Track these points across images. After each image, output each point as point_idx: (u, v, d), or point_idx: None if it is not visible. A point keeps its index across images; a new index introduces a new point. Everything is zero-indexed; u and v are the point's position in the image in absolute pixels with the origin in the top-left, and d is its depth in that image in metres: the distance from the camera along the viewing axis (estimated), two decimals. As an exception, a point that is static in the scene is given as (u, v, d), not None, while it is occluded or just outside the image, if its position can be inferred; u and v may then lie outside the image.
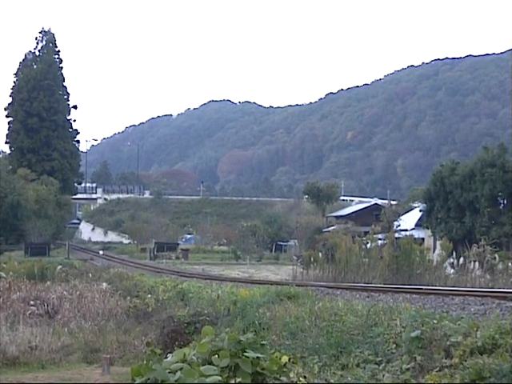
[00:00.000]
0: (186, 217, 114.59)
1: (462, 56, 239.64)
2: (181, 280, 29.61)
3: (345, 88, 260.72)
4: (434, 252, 41.05)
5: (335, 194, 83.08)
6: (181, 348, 6.49)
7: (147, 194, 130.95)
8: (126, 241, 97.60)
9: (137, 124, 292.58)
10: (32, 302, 22.26)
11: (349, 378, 8.56)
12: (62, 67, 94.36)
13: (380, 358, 9.28)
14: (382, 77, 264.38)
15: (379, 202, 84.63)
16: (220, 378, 5.45)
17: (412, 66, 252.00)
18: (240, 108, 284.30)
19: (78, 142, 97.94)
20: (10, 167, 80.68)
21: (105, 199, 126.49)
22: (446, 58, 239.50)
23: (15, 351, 16.47)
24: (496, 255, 28.65)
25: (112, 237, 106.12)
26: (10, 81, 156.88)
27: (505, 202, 47.53)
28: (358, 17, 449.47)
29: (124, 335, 18.75)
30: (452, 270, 30.23)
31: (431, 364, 8.14)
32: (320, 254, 36.30)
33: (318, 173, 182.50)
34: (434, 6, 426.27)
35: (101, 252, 72.41)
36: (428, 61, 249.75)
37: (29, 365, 16.08)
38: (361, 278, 29.86)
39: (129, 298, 24.34)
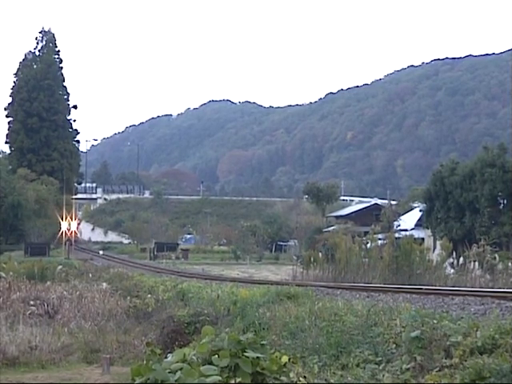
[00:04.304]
0: (186, 217, 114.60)
1: (462, 56, 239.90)
2: (181, 280, 29.63)
3: (345, 88, 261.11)
4: (434, 252, 41.05)
5: (335, 194, 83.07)
6: (181, 348, 6.49)
7: (147, 194, 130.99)
8: (126, 241, 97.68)
9: (137, 124, 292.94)
10: (32, 302, 22.26)
11: (349, 378, 8.56)
12: (61, 67, 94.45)
13: (380, 358, 9.28)
14: (382, 77, 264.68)
15: (379, 201, 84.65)
16: (220, 378, 5.44)
17: (412, 66, 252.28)
18: (240, 108, 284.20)
19: (77, 142, 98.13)
20: (10, 167, 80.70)
21: (105, 199, 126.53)
22: (446, 57, 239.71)
23: (15, 351, 16.46)
24: (496, 255, 28.62)
25: (112, 237, 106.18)
26: (9, 81, 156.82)
27: (505, 201, 47.56)
28: (358, 17, 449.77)
29: (124, 335, 18.74)
30: (452, 270, 30.23)
31: (431, 364, 8.13)
32: (320, 253, 36.31)
33: (317, 173, 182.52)
34: (433, 6, 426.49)
35: (101, 252, 72.43)
36: (428, 61, 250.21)
37: (29, 365, 16.06)
38: (361, 278, 29.85)
39: (129, 298, 24.35)
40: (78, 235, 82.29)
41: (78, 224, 72.57)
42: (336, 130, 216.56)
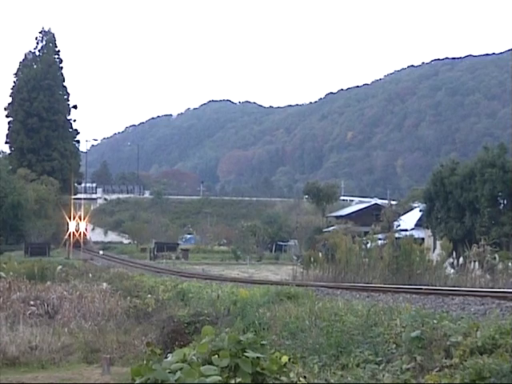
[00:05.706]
0: (186, 217, 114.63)
1: (462, 56, 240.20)
2: (181, 280, 29.61)
3: (345, 88, 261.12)
4: (433, 252, 41.03)
5: (335, 194, 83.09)
6: (181, 348, 6.49)
7: (147, 194, 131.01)
8: (126, 241, 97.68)
9: (137, 124, 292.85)
10: (32, 302, 22.22)
11: (349, 378, 8.55)
12: (62, 67, 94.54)
13: (380, 358, 9.27)
14: (382, 77, 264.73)
15: (379, 201, 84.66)
16: (220, 377, 5.44)
17: (412, 66, 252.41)
18: (240, 108, 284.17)
19: (78, 141, 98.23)
20: (10, 167, 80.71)
21: (105, 199, 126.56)
22: (446, 58, 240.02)
23: (15, 351, 16.43)
24: (496, 255, 28.61)
25: (112, 237, 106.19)
26: (9, 81, 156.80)
27: (505, 202, 47.55)
28: (358, 17, 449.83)
29: (124, 335, 18.70)
30: (452, 270, 30.23)
31: (431, 364, 8.13)
32: (320, 253, 36.28)
33: (317, 173, 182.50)
34: (433, 5, 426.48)
35: (101, 252, 72.35)
36: (428, 61, 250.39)
37: (29, 365, 16.03)
38: (361, 278, 29.83)
39: (129, 298, 24.30)
40: (88, 237, 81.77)
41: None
42: (336, 129, 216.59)
